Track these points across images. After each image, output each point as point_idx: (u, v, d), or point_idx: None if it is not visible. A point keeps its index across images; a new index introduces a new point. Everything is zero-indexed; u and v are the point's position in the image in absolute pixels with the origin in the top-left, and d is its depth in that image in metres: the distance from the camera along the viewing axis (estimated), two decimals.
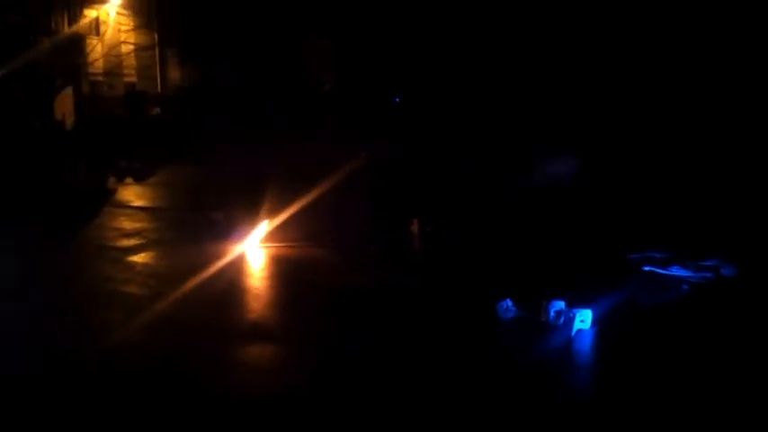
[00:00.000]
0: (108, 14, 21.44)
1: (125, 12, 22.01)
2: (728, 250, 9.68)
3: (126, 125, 19.10)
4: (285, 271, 10.19)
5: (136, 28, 22.14)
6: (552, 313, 8.16)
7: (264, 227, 11.57)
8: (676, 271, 9.40)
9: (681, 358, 7.29)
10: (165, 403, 6.42)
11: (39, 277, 9.78)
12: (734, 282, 9.19)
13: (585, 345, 7.82)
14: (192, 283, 9.40)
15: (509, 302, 8.39)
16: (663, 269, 9.48)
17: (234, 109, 19.07)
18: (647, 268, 9.57)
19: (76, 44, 20.08)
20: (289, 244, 11.21)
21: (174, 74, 22.10)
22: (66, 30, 19.36)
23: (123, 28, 21.87)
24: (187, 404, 6.41)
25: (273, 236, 11.43)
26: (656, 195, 11.81)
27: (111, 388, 6.66)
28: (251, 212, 11.98)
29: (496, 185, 13.03)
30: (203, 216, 12.77)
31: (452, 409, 6.31)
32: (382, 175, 14.38)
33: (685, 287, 9.15)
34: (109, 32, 21.09)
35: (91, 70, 20.90)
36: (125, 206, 13.80)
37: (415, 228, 12.42)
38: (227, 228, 11.53)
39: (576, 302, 8.20)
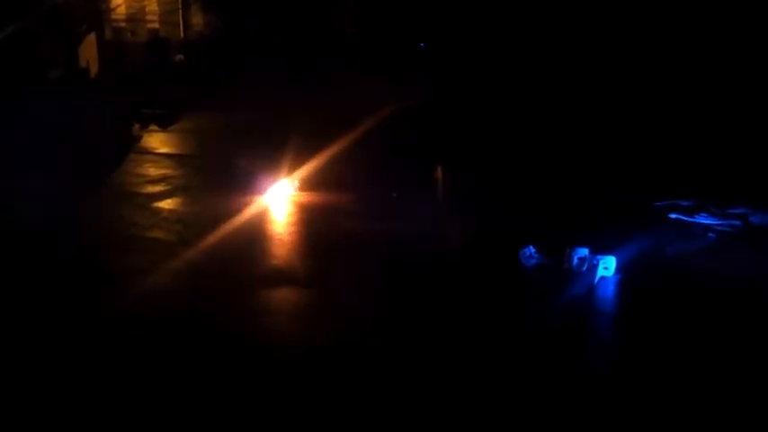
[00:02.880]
0: None
1: None
2: (757, 198, 9.49)
3: (149, 72, 19.05)
4: (309, 218, 10.22)
5: None
6: (576, 260, 8.12)
7: (289, 174, 11.56)
8: (703, 219, 9.26)
9: (705, 308, 7.23)
10: (188, 347, 6.55)
11: (66, 222, 9.91)
12: (762, 230, 9.03)
13: (608, 292, 7.80)
14: (217, 229, 9.47)
15: (532, 249, 8.36)
16: (689, 217, 9.34)
17: (257, 56, 18.89)
18: (673, 216, 9.44)
19: None
20: (313, 191, 11.21)
21: (198, 20, 21.89)
22: None
23: None
24: (210, 348, 6.54)
25: (298, 183, 11.43)
26: (682, 143, 11.57)
27: (136, 331, 6.81)
28: (276, 160, 11.96)
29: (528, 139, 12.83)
30: (228, 163, 12.79)
31: (474, 357, 6.36)
32: (407, 122, 14.25)
33: (712, 235, 9.03)
34: None
35: (113, 16, 20.78)
36: (150, 153, 13.86)
37: (438, 174, 12.34)
38: (253, 175, 11.53)
39: (599, 249, 8.15)
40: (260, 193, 10.98)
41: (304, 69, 17.75)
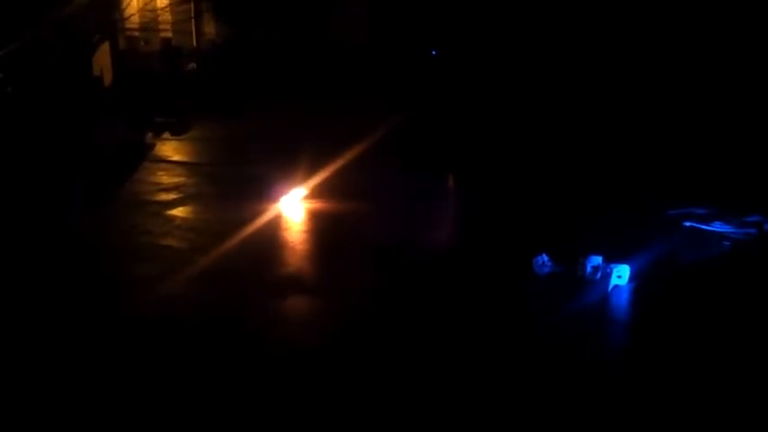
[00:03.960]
0: None
1: None
2: None
3: (162, 80, 19.16)
4: (322, 226, 10.23)
5: None
6: (589, 268, 8.08)
7: (301, 183, 11.58)
8: (718, 227, 9.19)
9: (721, 316, 7.18)
10: (201, 352, 6.57)
11: (79, 230, 9.97)
12: None
13: (622, 301, 7.75)
14: (230, 237, 9.50)
15: (545, 257, 8.32)
16: (704, 225, 9.28)
17: (268, 65, 18.99)
18: (688, 224, 9.38)
19: None
20: (325, 199, 11.22)
21: (210, 29, 22.04)
22: None
23: None
24: (223, 353, 6.55)
25: (311, 192, 11.45)
26: (698, 151, 11.52)
27: (150, 336, 6.84)
28: (288, 168, 11.99)
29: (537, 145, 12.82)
30: (241, 171, 12.84)
31: (487, 362, 6.34)
32: (419, 131, 14.27)
33: (727, 243, 8.96)
34: None
35: (127, 25, 20.94)
36: (163, 161, 13.93)
37: (450, 182, 12.34)
38: (265, 183, 11.56)
39: (613, 258, 8.10)
40: (272, 201, 11.00)
41: (315, 78, 17.82)
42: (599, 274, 8.01)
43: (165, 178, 12.67)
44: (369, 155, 12.71)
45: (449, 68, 16.77)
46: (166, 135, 15.87)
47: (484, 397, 5.83)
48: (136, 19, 21.27)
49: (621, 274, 7.96)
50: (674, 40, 13.64)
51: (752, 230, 9.09)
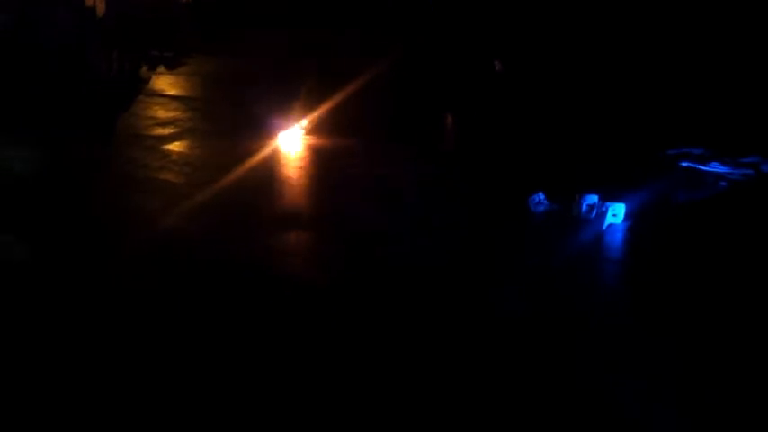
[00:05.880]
0: None
1: None
2: None
3: (157, 12, 18.81)
4: (320, 162, 10.23)
5: None
6: (584, 207, 8.13)
7: (301, 118, 11.51)
8: (715, 167, 9.21)
9: (715, 257, 7.25)
10: (200, 287, 6.65)
11: (76, 165, 9.96)
12: None
13: (617, 240, 7.82)
14: (228, 171, 9.51)
15: (541, 195, 8.37)
16: (701, 165, 9.29)
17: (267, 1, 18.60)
18: (684, 164, 9.39)
19: None
20: (325, 136, 11.19)
21: None
22: None
23: None
24: (222, 288, 6.63)
25: (309, 127, 11.40)
26: (694, 90, 11.42)
27: (148, 272, 6.90)
28: (286, 104, 11.91)
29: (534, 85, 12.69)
30: (238, 106, 12.74)
31: (480, 305, 6.42)
32: (417, 69, 14.09)
33: (723, 184, 8.99)
34: None
35: None
36: (159, 95, 13.79)
37: (448, 121, 12.28)
38: (263, 118, 11.49)
39: (609, 196, 8.14)
40: (269, 136, 10.97)
41: (316, 9, 17.48)
42: (594, 213, 8.07)
43: (161, 113, 12.58)
44: (369, 91, 12.59)
45: (446, 10, 16.44)
46: (162, 69, 15.68)
47: (472, 338, 5.91)
48: None
49: (617, 213, 8.02)
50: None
51: (749, 171, 9.11)
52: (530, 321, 6.04)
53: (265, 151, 10.49)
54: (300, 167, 10.03)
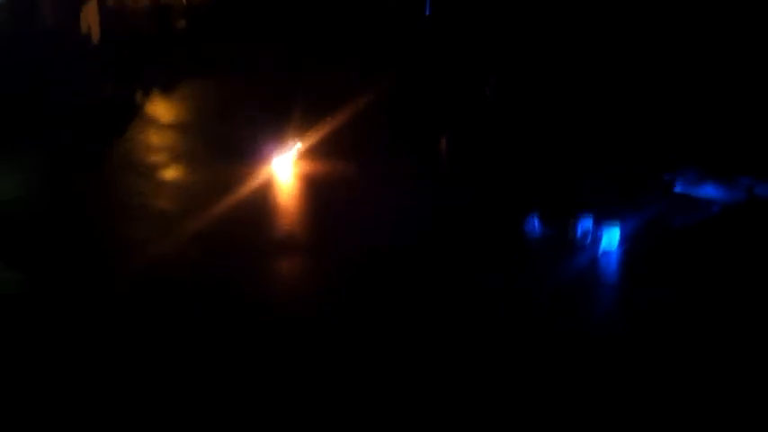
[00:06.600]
0: None
1: None
2: (762, 169, 9.45)
3: (152, 38, 18.86)
4: (314, 187, 10.22)
5: None
6: (579, 231, 8.13)
7: (293, 144, 11.51)
8: (708, 191, 9.23)
9: (710, 281, 7.24)
10: (193, 313, 6.61)
11: (69, 191, 9.93)
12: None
13: (611, 264, 7.81)
14: (221, 198, 9.48)
15: (536, 220, 8.36)
16: (694, 188, 9.31)
17: (261, 22, 18.69)
18: (678, 188, 9.41)
19: None
20: (317, 161, 11.18)
21: None
22: None
23: None
24: (214, 314, 6.60)
25: (303, 151, 11.39)
26: (688, 112, 11.47)
27: (141, 299, 6.87)
28: (280, 128, 11.91)
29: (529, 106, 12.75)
30: (231, 131, 12.73)
31: (475, 327, 6.40)
32: (412, 89, 14.14)
33: (717, 207, 9.00)
34: None
35: None
36: (153, 120, 13.79)
37: (443, 144, 12.29)
38: (257, 143, 11.49)
39: (603, 220, 8.14)
40: (263, 161, 10.95)
41: (310, 35, 17.56)
42: (589, 237, 8.06)
43: (156, 138, 12.57)
44: (362, 115, 12.61)
45: (442, 27, 16.54)
46: (156, 93, 15.70)
47: (470, 363, 5.88)
48: None
49: (612, 238, 8.01)
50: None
51: (741, 194, 9.13)
52: (524, 345, 6.03)
53: (259, 176, 10.47)
54: (293, 193, 10.02)
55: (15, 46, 15.32)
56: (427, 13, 17.48)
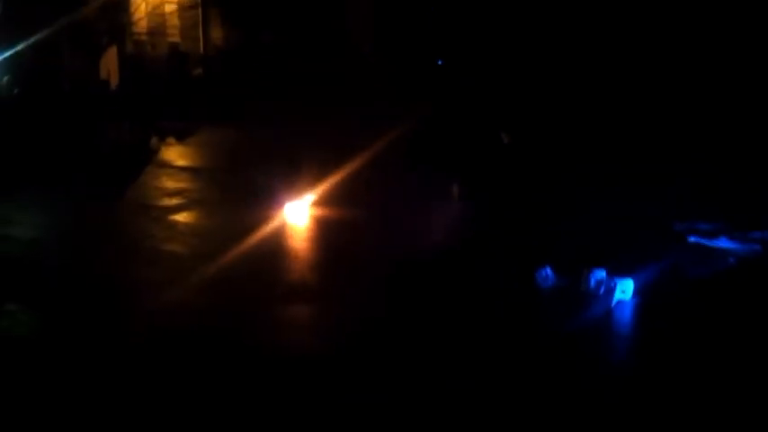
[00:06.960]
0: None
1: None
2: None
3: (169, 85, 19.20)
4: (325, 234, 10.20)
5: None
6: (593, 282, 8.03)
7: (306, 189, 11.55)
8: (723, 242, 9.14)
9: (725, 333, 7.12)
10: (204, 359, 6.54)
11: (83, 234, 9.97)
12: None
13: (626, 316, 7.70)
14: (233, 243, 9.46)
15: (548, 270, 8.27)
16: (709, 240, 9.23)
17: (275, 70, 19.01)
18: (692, 239, 9.33)
19: (121, 3, 20.17)
20: (330, 207, 11.19)
21: (217, 34, 22.08)
22: None
23: None
24: (226, 360, 6.52)
25: (315, 198, 11.42)
26: (705, 166, 11.47)
27: (153, 343, 6.81)
28: (293, 174, 11.97)
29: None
30: (245, 177, 12.82)
31: (488, 378, 6.29)
32: (423, 139, 14.23)
33: (732, 259, 8.91)
34: None
35: (135, 29, 20.98)
36: (167, 165, 13.93)
37: (455, 192, 12.30)
38: (270, 189, 11.54)
39: (617, 272, 8.05)
40: (277, 207, 10.97)
41: (322, 84, 17.82)
42: (603, 289, 7.96)
43: (170, 183, 12.67)
44: (376, 161, 12.68)
45: (454, 77, 16.76)
46: (172, 139, 15.89)
47: (483, 411, 5.77)
48: (144, 23, 21.31)
49: (625, 289, 7.90)
50: (681, 46, 13.63)
51: (757, 246, 9.04)
52: (537, 396, 5.92)
53: (272, 222, 10.47)
54: (306, 240, 10.02)
55: (37, 93, 15.64)
56: (439, 62, 17.76)
